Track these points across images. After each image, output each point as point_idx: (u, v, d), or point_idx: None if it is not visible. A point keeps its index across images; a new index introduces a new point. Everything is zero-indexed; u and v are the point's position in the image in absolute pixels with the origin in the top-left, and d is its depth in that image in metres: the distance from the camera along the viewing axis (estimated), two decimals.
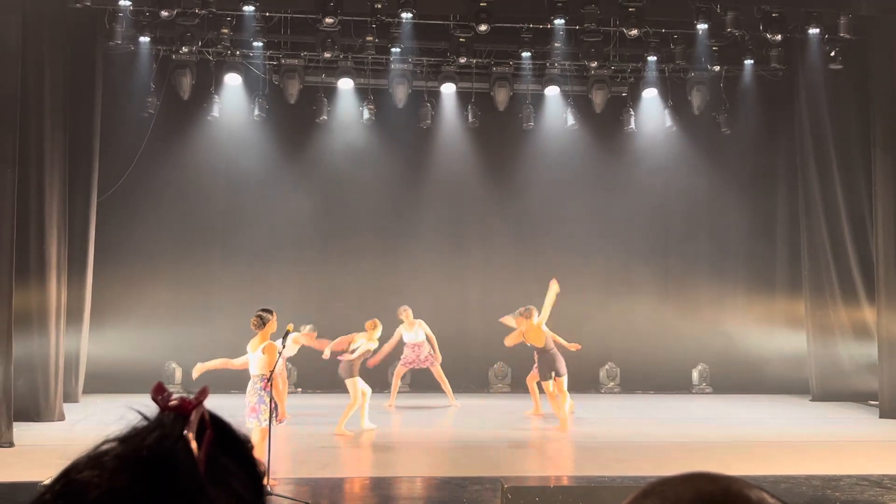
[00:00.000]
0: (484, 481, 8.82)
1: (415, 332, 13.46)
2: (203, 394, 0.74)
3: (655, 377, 16.03)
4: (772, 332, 16.13)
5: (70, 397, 13.11)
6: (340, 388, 14.97)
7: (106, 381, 13.71)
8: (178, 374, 14.79)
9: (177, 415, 0.72)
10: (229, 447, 0.74)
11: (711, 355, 16.14)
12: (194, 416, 0.72)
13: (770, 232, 16.58)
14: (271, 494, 7.75)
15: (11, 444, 10.14)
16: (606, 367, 16.05)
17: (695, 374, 16.13)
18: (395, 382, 14.03)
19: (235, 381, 13.54)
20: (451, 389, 13.72)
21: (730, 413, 13.67)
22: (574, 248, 16.22)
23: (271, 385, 8.12)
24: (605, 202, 16.48)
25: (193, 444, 0.70)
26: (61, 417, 12.03)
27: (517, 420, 12.67)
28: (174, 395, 0.73)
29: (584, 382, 15.57)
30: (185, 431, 0.70)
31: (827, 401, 14.66)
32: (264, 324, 8.39)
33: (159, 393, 0.73)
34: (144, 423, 0.72)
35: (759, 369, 15.96)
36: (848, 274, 14.83)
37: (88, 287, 13.88)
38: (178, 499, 0.67)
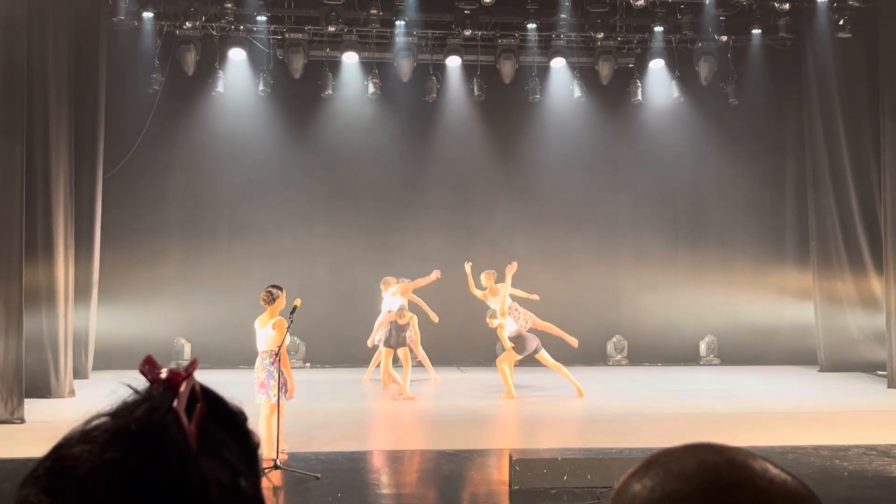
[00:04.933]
0: (492, 453, 8.86)
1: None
2: (192, 366, 0.73)
3: (663, 349, 16.06)
4: (780, 302, 16.12)
5: (80, 374, 13.20)
6: (348, 363, 15.06)
7: (115, 358, 13.77)
8: (188, 349, 14.85)
9: (166, 387, 0.71)
10: (222, 419, 0.74)
11: (719, 327, 16.15)
12: (184, 389, 0.71)
13: (778, 202, 16.52)
14: (280, 467, 7.80)
15: (23, 421, 10.22)
16: (614, 339, 16.07)
17: (702, 346, 16.15)
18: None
19: (243, 357, 13.62)
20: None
21: (737, 384, 13.69)
22: (581, 221, 16.20)
23: (280, 360, 8.14)
24: (612, 174, 16.43)
25: (184, 417, 0.69)
26: (72, 394, 12.13)
27: (525, 392, 12.70)
28: (163, 368, 0.72)
29: (592, 355, 15.60)
30: (175, 404, 0.70)
31: (835, 371, 14.66)
32: (274, 300, 8.39)
33: (148, 366, 0.73)
34: (134, 396, 0.71)
35: (767, 340, 15.96)
36: (856, 244, 14.78)
37: (96, 264, 13.92)
38: (170, 471, 0.67)
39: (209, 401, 0.73)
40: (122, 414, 0.70)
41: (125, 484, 0.66)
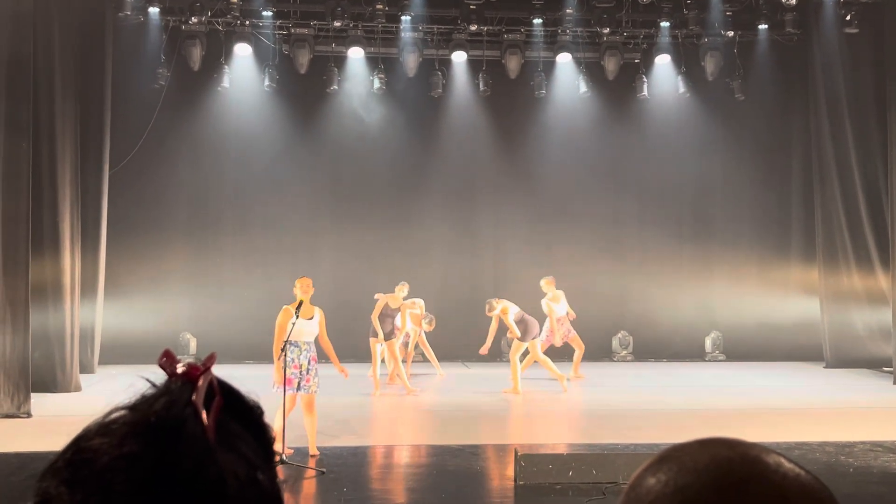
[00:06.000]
0: (497, 449, 8.87)
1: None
2: (210, 360, 0.74)
3: (668, 345, 16.05)
4: (785, 298, 16.09)
5: (86, 368, 13.23)
6: (353, 358, 15.07)
7: (121, 352, 13.82)
8: (193, 344, 14.88)
9: (184, 381, 0.72)
10: (239, 413, 0.74)
11: (724, 323, 16.13)
12: (202, 383, 0.71)
13: (784, 198, 16.49)
14: (285, 462, 7.81)
15: (29, 415, 10.25)
16: (619, 335, 16.06)
17: (708, 342, 16.13)
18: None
19: (248, 351, 13.64)
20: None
21: (743, 380, 13.68)
22: (587, 217, 16.18)
23: (285, 353, 8.14)
24: (618, 169, 16.41)
25: (202, 411, 0.70)
26: (78, 388, 12.15)
27: (530, 388, 12.71)
28: (182, 362, 0.73)
29: (597, 351, 15.59)
30: (193, 397, 0.70)
31: (840, 367, 14.64)
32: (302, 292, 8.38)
33: (166, 360, 0.73)
34: (153, 390, 0.72)
35: (773, 336, 15.93)
36: (862, 240, 14.75)
37: (102, 258, 13.95)
38: (188, 464, 0.67)
39: (226, 395, 0.74)
40: (140, 407, 0.71)
41: (144, 476, 0.67)
